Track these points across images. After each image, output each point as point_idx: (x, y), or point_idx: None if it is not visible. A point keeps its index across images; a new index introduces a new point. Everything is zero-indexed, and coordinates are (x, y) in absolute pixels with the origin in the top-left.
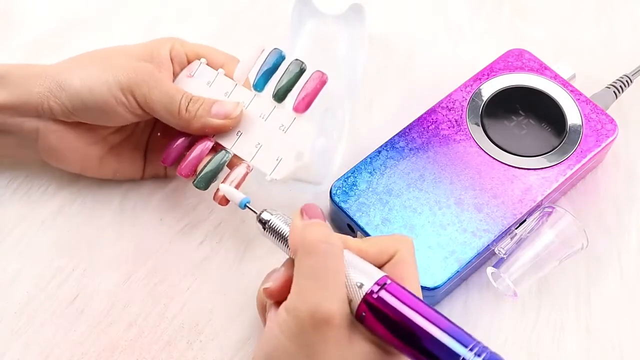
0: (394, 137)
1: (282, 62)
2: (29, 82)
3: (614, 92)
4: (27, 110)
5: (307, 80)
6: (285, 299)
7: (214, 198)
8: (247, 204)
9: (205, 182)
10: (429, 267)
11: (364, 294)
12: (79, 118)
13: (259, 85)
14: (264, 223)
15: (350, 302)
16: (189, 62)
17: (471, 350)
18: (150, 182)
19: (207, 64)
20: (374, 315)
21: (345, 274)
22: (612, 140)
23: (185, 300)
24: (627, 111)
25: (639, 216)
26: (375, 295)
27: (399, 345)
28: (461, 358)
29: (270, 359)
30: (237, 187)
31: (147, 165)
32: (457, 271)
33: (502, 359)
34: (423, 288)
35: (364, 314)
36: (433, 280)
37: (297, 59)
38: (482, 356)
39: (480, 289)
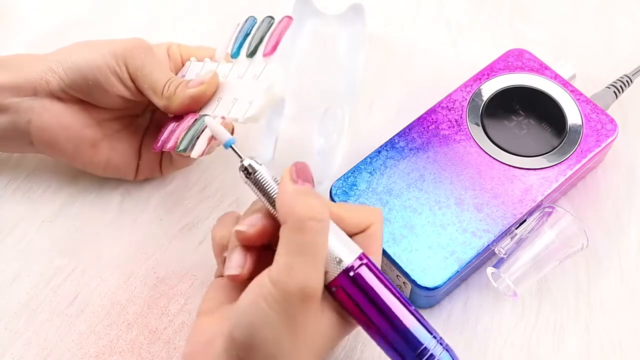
0: (394, 137)
1: (254, 25)
2: (30, 64)
3: (614, 92)
4: (25, 89)
5: (274, 27)
6: (256, 246)
7: (191, 154)
8: (232, 146)
9: (187, 142)
10: (429, 267)
11: (342, 269)
12: (74, 92)
13: (236, 53)
14: (248, 172)
15: (325, 273)
16: (182, 64)
17: (434, 338)
18: (150, 182)
19: (197, 60)
20: (348, 290)
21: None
22: (612, 140)
23: (185, 300)
24: (627, 111)
25: (639, 216)
26: (352, 273)
27: (363, 321)
28: (423, 346)
29: (252, 329)
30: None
31: (140, 165)
32: (457, 271)
33: (453, 353)
34: (423, 288)
35: (334, 288)
36: (433, 280)
37: (268, 16)
38: (443, 345)
39: (480, 289)
